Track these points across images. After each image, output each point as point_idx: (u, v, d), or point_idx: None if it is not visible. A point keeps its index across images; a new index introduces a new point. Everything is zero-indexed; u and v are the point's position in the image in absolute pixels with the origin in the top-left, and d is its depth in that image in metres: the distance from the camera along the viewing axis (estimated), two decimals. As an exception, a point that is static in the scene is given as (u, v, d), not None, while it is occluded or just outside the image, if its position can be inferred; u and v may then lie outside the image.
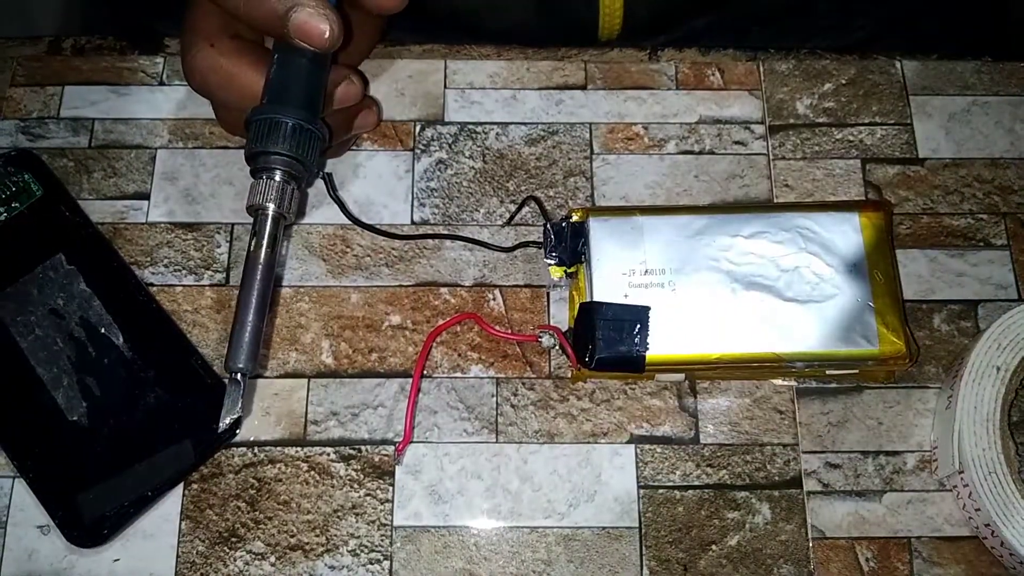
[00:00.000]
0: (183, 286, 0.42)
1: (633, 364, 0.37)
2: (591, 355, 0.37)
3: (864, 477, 0.39)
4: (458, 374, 0.40)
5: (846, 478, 0.39)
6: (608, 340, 0.37)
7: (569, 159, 0.44)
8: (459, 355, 0.41)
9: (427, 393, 0.40)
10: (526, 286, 0.42)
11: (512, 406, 0.40)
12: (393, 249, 0.43)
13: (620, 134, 0.45)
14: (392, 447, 0.39)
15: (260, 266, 0.33)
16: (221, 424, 0.33)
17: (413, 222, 0.43)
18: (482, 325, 0.40)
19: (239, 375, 0.32)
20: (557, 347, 0.39)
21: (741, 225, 0.39)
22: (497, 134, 0.45)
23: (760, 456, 0.39)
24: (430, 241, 0.43)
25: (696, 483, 0.39)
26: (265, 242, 0.34)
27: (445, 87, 0.45)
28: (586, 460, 0.39)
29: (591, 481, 0.39)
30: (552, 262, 0.39)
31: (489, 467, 0.39)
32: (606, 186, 0.44)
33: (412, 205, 0.43)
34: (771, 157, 0.44)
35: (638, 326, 0.37)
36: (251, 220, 0.35)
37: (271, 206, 0.34)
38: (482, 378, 0.40)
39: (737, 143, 0.45)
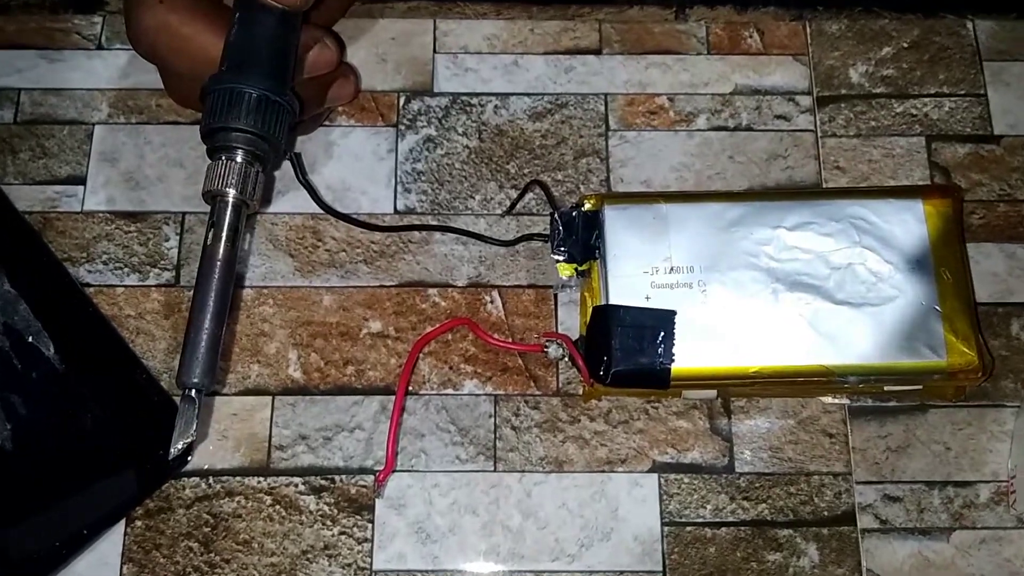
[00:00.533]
0: (125, 287, 0.41)
1: (656, 378, 0.37)
2: (606, 368, 0.36)
3: (929, 512, 0.39)
4: (450, 390, 0.40)
5: (908, 513, 0.39)
6: (627, 350, 0.36)
7: (581, 137, 0.44)
8: (451, 368, 0.40)
9: (413, 413, 0.39)
10: (530, 286, 0.41)
11: (513, 428, 0.39)
12: (373, 243, 0.42)
13: (641, 107, 0.44)
14: (371, 477, 0.39)
15: (219, 262, 0.33)
16: (172, 449, 0.32)
17: (397, 211, 0.42)
18: (478, 333, 0.40)
19: (193, 391, 0.32)
20: (566, 359, 0.39)
21: (784, 214, 0.39)
22: (496, 107, 0.44)
23: (806, 487, 0.39)
24: (416, 234, 0.42)
25: (731, 519, 0.38)
26: (224, 234, 0.33)
27: (434, 52, 0.45)
28: (600, 492, 0.39)
29: (606, 517, 0.38)
30: (560, 258, 0.39)
31: (486, 500, 0.38)
32: (624, 168, 0.43)
33: (395, 191, 0.43)
34: (819, 134, 0.44)
35: (662, 334, 0.37)
36: (207, 208, 0.34)
37: (231, 192, 0.33)
38: (478, 395, 0.40)
39: (779, 118, 0.44)
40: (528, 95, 0.44)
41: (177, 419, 0.32)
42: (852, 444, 0.39)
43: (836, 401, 0.40)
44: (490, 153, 0.43)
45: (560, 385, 0.40)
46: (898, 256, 0.38)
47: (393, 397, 0.39)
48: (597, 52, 0.45)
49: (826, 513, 0.38)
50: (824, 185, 0.43)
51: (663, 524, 0.38)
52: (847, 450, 0.39)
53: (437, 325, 0.40)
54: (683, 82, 0.44)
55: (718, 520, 0.38)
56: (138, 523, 0.38)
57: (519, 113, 0.44)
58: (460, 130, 0.44)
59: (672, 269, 0.37)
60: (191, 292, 0.40)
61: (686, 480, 0.39)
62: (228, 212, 0.33)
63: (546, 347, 0.39)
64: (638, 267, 0.37)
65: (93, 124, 0.43)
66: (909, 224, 0.38)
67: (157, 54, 0.37)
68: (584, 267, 0.39)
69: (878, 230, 0.38)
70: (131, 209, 0.42)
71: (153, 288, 0.41)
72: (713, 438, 0.39)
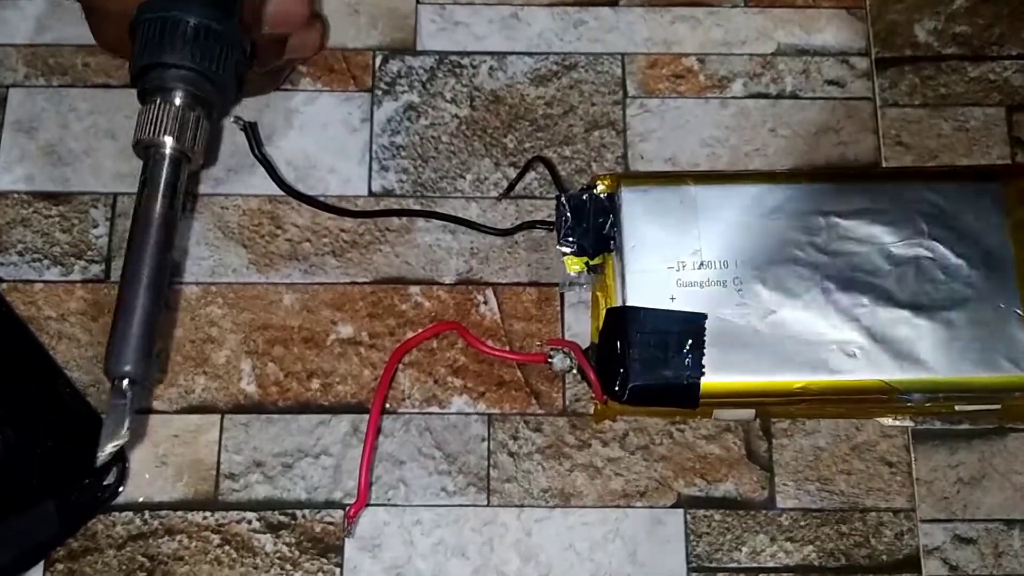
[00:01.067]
0: (45, 282, 0.40)
1: (682, 395, 0.36)
2: (623, 382, 0.36)
3: (1008, 556, 0.38)
4: (435, 408, 0.39)
5: (982, 557, 0.38)
6: (647, 361, 0.36)
7: (593, 104, 0.43)
8: (436, 382, 0.39)
9: (391, 435, 0.39)
10: (531, 284, 0.41)
11: (511, 454, 0.39)
12: (343, 231, 0.41)
13: (665, 69, 0.43)
14: (340, 512, 0.38)
15: (154, 226, 0.32)
16: (100, 455, 0.31)
17: (372, 193, 0.42)
18: (469, 340, 0.39)
19: (125, 382, 0.31)
20: (575, 371, 0.38)
21: (835, 199, 0.38)
22: (491, 69, 0.43)
23: (861, 526, 0.38)
24: (395, 221, 0.41)
25: (771, 564, 0.38)
26: (161, 191, 0.32)
27: (418, 2, 0.44)
28: (615, 531, 0.38)
29: (622, 560, 0.38)
30: (568, 251, 0.38)
31: (478, 540, 0.38)
32: (645, 143, 0.43)
33: (370, 169, 0.42)
34: (878, 103, 0.43)
35: (689, 341, 0.36)
36: (139, 169, 0.33)
37: (168, 140, 0.32)
38: (468, 414, 0.39)
39: (831, 83, 0.43)
40: (530, 55, 0.44)
41: (106, 418, 0.31)
42: (916, 475, 0.39)
43: (898, 423, 0.39)
44: (484, 124, 0.43)
45: (567, 403, 0.40)
46: (972, 249, 0.38)
47: (367, 416, 0.38)
48: (613, 3, 0.44)
49: (885, 557, 0.38)
50: (884, 164, 0.42)
51: (690, 570, 0.38)
52: (910, 482, 0.39)
53: (421, 330, 0.39)
54: (715, 40, 0.44)
55: (755, 565, 0.38)
56: (59, 566, 0.37)
57: (519, 76, 0.43)
58: (448, 96, 0.43)
59: (702, 264, 0.37)
60: (122, 265, 0.40)
61: (718, 517, 0.38)
62: (165, 165, 0.32)
63: (550, 357, 0.38)
64: (661, 261, 0.37)
65: (6, 87, 0.43)
66: (986, 211, 0.38)
67: None
68: (596, 261, 0.38)
69: (948, 218, 0.38)
70: (52, 189, 0.42)
71: (78, 284, 0.40)
72: (750, 467, 0.39)
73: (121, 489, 0.38)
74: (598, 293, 0.38)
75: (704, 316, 0.36)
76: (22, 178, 0.42)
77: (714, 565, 0.38)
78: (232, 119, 0.40)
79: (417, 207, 0.42)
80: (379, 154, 0.42)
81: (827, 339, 0.36)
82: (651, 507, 0.38)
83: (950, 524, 0.38)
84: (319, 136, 0.42)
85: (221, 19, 0.33)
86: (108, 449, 0.31)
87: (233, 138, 0.42)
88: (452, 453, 0.39)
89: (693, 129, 0.43)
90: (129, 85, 0.42)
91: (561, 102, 0.43)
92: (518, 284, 0.41)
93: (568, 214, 0.38)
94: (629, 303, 0.37)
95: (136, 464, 0.38)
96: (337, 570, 0.37)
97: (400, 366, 0.39)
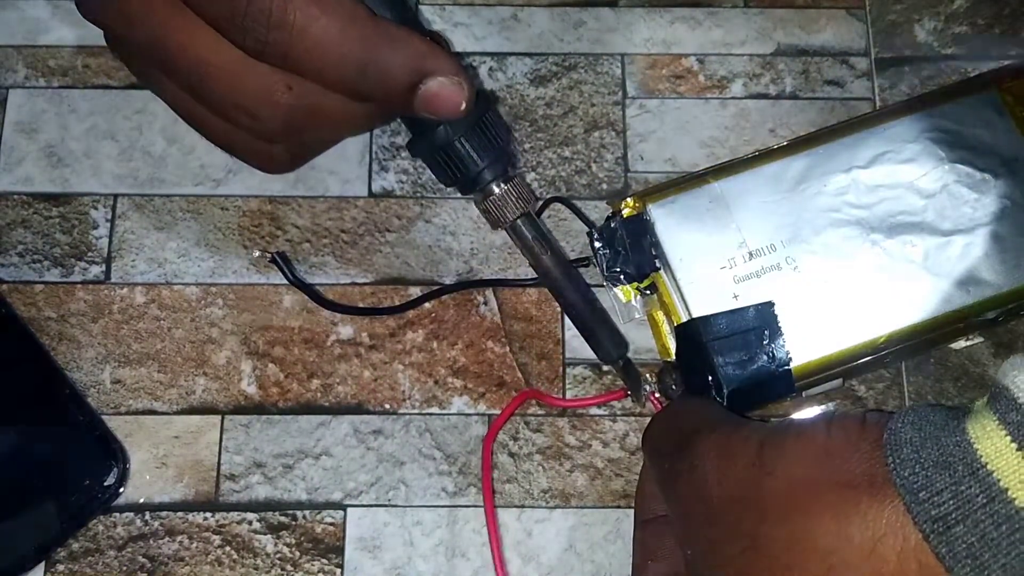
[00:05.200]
0: (45, 283, 0.40)
1: (779, 384, 0.36)
2: (717, 392, 0.35)
3: None
4: (435, 409, 0.39)
5: None
6: (734, 363, 0.35)
7: (593, 106, 0.43)
8: (436, 382, 0.39)
9: (391, 436, 0.39)
10: (532, 283, 0.41)
11: (511, 455, 0.39)
12: (343, 232, 0.41)
13: (665, 70, 0.43)
14: (340, 512, 0.38)
15: (554, 270, 0.36)
16: (639, 400, 0.39)
17: (372, 193, 0.42)
18: (549, 401, 0.39)
19: (620, 362, 0.38)
20: (675, 387, 0.38)
21: (853, 152, 0.38)
22: (491, 69, 0.43)
23: None
24: (395, 222, 0.41)
25: None
26: (539, 249, 0.36)
27: (418, 3, 0.44)
28: (616, 532, 0.38)
29: (623, 560, 0.38)
30: (617, 284, 0.38)
31: (478, 541, 0.38)
32: (645, 143, 0.42)
33: (370, 170, 0.42)
34: (878, 103, 0.43)
35: (766, 332, 0.36)
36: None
37: (518, 210, 0.36)
38: (468, 415, 0.39)
39: (830, 84, 0.43)
40: (530, 55, 0.44)
41: (630, 386, 0.38)
42: None
43: (969, 343, 0.39)
44: None
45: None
46: (992, 160, 0.38)
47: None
48: (613, 3, 0.44)
49: None
50: (879, 103, 0.42)
51: None
52: None
53: (504, 408, 0.39)
54: (715, 40, 0.44)
55: None
56: (60, 567, 0.37)
57: (519, 77, 0.43)
58: None
59: (751, 255, 0.37)
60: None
61: None
62: (526, 229, 0.36)
63: (629, 392, 0.38)
64: (712, 264, 0.37)
65: (7, 88, 0.43)
66: (991, 119, 0.38)
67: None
68: (646, 283, 0.38)
69: (960, 138, 0.38)
70: (52, 190, 0.42)
71: (78, 285, 0.40)
72: None
73: (121, 490, 0.38)
74: (654, 313, 0.38)
75: (772, 303, 0.36)
76: (22, 179, 0.41)
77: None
78: (258, 253, 0.40)
79: (417, 208, 0.41)
80: (379, 155, 0.42)
81: (891, 287, 0.36)
82: (651, 507, 0.38)
83: (950, 524, 0.38)
84: (319, 137, 0.42)
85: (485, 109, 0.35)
86: (641, 402, 0.39)
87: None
88: (452, 454, 0.39)
89: (692, 130, 0.43)
90: (128, 87, 0.42)
91: (561, 103, 0.43)
92: (519, 284, 0.41)
93: (603, 248, 0.38)
94: (695, 314, 0.36)
95: (136, 465, 0.38)
96: (338, 571, 0.37)
97: (400, 366, 0.39)
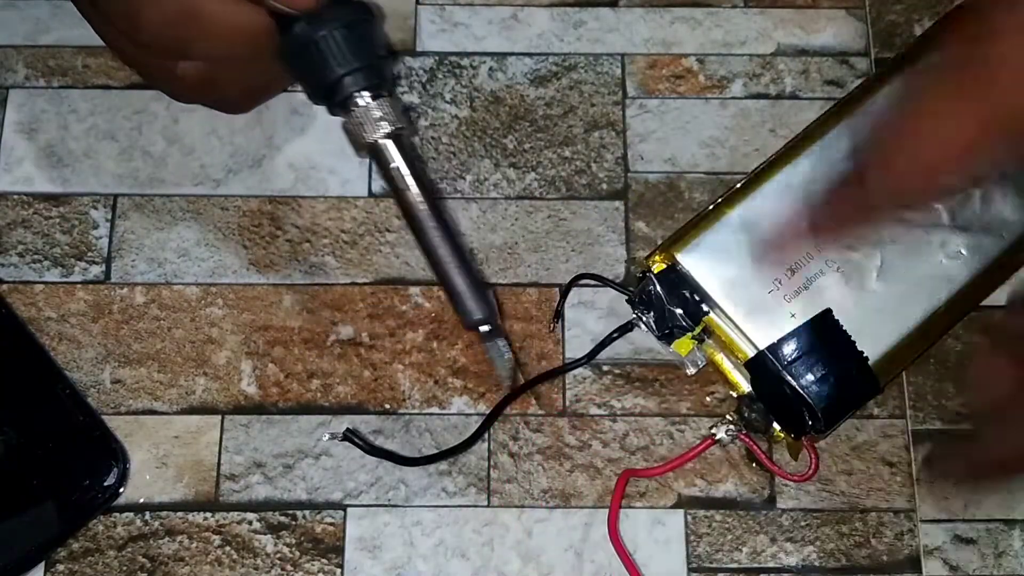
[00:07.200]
0: (45, 283, 0.40)
1: (864, 387, 0.36)
2: (812, 415, 0.35)
3: (1008, 556, 0.38)
4: (435, 409, 0.39)
5: (983, 557, 0.38)
6: (815, 380, 0.35)
7: (593, 106, 0.43)
8: (436, 382, 0.39)
9: (391, 436, 0.39)
10: (531, 284, 0.41)
11: (511, 455, 0.39)
12: (343, 232, 0.41)
13: (665, 70, 0.43)
14: (340, 512, 0.38)
15: (420, 206, 0.33)
16: (505, 385, 0.37)
17: (372, 194, 0.42)
18: (645, 474, 0.38)
19: (483, 328, 0.34)
20: (756, 421, 0.38)
21: (855, 133, 0.38)
22: (491, 70, 0.43)
23: (862, 527, 0.38)
24: (395, 222, 0.41)
25: (771, 564, 0.38)
26: (407, 176, 0.33)
27: (417, 3, 0.44)
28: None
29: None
30: (675, 343, 0.38)
31: (478, 541, 0.38)
32: (645, 144, 0.43)
33: (370, 170, 0.42)
34: None
35: (832, 340, 0.36)
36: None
37: (382, 129, 0.33)
38: (468, 415, 0.39)
39: (830, 83, 0.43)
40: (530, 55, 0.44)
41: (494, 362, 0.36)
42: (917, 475, 0.39)
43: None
44: (484, 125, 0.43)
45: (567, 403, 0.39)
46: None
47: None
48: (613, 3, 0.44)
49: (885, 558, 0.38)
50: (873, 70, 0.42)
51: (690, 570, 0.38)
52: (911, 482, 0.39)
53: (613, 495, 0.37)
54: (715, 40, 0.44)
55: (756, 566, 0.38)
56: (60, 567, 0.37)
57: (519, 77, 0.43)
58: (448, 97, 0.43)
59: (791, 269, 0.37)
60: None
61: (718, 518, 0.38)
62: (391, 150, 0.33)
63: (717, 437, 0.38)
64: (759, 291, 0.36)
65: (7, 88, 0.43)
66: None
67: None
68: (699, 331, 0.38)
69: None
70: (52, 190, 0.42)
71: (78, 285, 0.40)
72: (751, 467, 0.39)
73: (121, 490, 0.38)
74: (716, 357, 0.38)
75: (829, 310, 0.36)
76: (22, 179, 0.41)
77: (714, 566, 0.38)
78: (327, 436, 0.38)
79: (417, 208, 0.42)
80: (379, 155, 0.42)
81: (933, 258, 0.37)
82: (651, 508, 0.38)
83: (950, 524, 0.38)
84: (320, 137, 0.42)
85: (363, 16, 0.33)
86: (506, 381, 0.38)
87: (232, 139, 0.42)
88: (452, 454, 0.39)
89: (692, 130, 0.43)
90: (128, 87, 0.42)
91: (561, 103, 0.43)
92: (518, 285, 0.41)
93: (647, 312, 0.38)
94: (761, 345, 0.36)
95: (136, 465, 0.38)
96: (338, 571, 0.37)
97: (400, 366, 0.40)
